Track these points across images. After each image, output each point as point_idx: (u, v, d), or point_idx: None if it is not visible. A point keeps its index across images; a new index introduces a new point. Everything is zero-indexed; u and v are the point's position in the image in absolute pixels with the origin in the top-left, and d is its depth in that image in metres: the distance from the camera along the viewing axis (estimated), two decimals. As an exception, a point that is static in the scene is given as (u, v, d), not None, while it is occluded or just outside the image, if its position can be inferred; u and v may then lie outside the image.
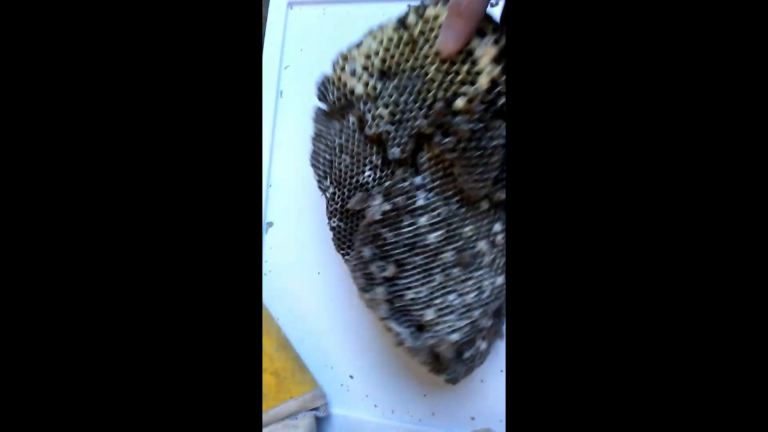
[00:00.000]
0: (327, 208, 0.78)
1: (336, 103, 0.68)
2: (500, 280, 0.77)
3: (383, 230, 0.74)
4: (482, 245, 0.76)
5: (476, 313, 0.75)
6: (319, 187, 0.80)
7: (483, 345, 0.74)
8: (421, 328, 0.78)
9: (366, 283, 0.76)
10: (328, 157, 0.79)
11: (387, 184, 0.72)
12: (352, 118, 0.74)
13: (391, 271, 0.75)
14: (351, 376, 0.91)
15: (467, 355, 0.73)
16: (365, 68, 0.70)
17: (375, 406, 0.89)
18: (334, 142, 0.77)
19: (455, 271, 0.76)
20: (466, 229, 0.75)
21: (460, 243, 0.77)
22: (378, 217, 0.73)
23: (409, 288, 0.76)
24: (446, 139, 0.67)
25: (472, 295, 0.76)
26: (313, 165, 0.80)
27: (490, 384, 0.87)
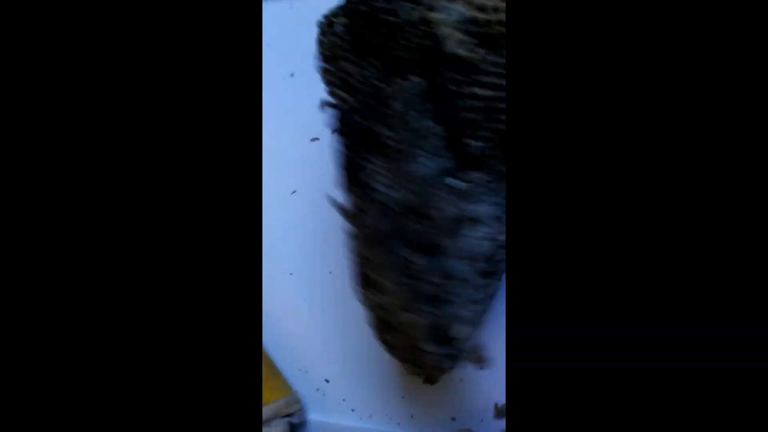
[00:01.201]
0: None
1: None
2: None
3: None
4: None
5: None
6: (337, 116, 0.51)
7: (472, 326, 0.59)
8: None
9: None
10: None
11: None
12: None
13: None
14: (327, 380, 0.88)
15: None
16: (459, 26, 0.43)
17: (352, 410, 0.86)
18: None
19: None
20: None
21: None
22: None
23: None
24: None
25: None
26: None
27: (469, 384, 0.85)
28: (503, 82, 0.43)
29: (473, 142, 0.47)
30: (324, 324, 0.82)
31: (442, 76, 0.46)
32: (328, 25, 0.48)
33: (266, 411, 0.82)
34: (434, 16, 0.45)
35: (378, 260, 0.52)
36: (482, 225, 0.51)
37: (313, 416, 0.88)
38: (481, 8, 0.43)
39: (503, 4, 0.39)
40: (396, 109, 0.47)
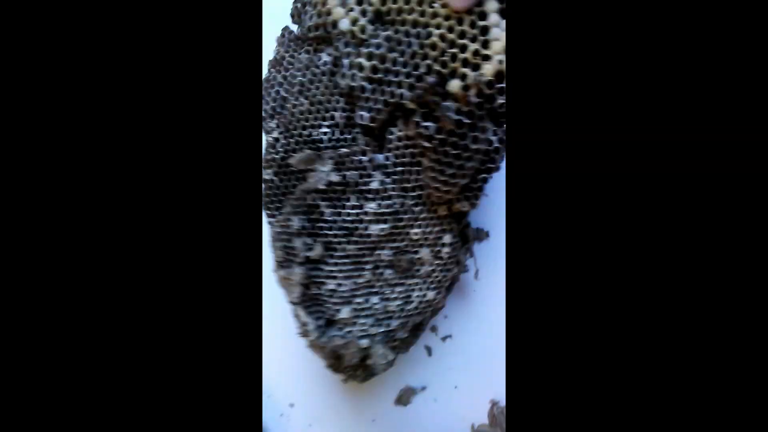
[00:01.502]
0: (264, 154, 0.65)
1: (310, 30, 0.56)
2: (431, 294, 0.66)
3: (322, 203, 0.62)
4: (425, 253, 0.65)
5: (394, 323, 0.64)
6: (263, 125, 0.67)
7: (390, 356, 0.62)
8: (331, 323, 0.65)
9: (284, 257, 0.64)
10: (282, 93, 0.67)
11: (343, 150, 0.61)
12: (325, 57, 0.63)
13: (317, 252, 0.63)
14: (291, 405, 0.77)
15: (371, 362, 0.61)
16: (360, 1, 0.59)
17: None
18: (295, 77, 0.65)
19: (388, 272, 0.65)
20: (415, 230, 0.64)
21: (403, 244, 0.66)
22: (321, 186, 0.61)
23: (332, 277, 0.63)
24: (426, 123, 0.56)
25: (398, 303, 0.65)
26: (263, 97, 0.68)
27: (442, 403, 0.75)
28: (393, 54, 0.55)
29: (363, 113, 0.58)
30: (287, 345, 0.71)
31: (339, 51, 0.58)
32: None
33: None
34: None
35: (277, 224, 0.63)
36: (368, 201, 0.62)
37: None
38: None
39: None
40: (302, 81, 0.63)
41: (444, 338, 0.71)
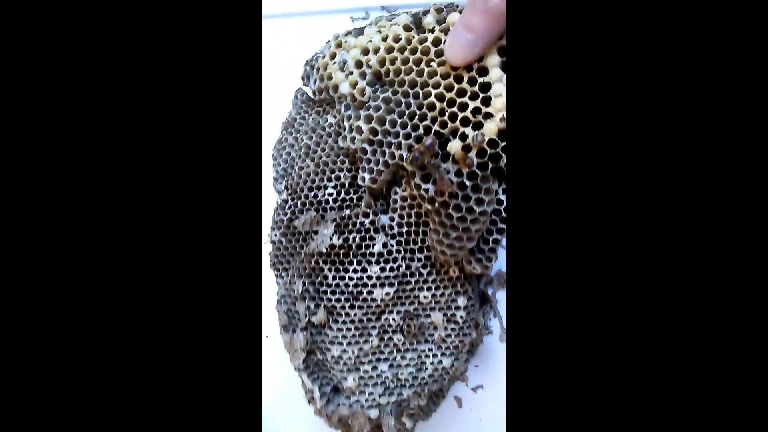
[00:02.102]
0: (273, 215, 0.66)
1: (315, 94, 0.56)
2: (447, 361, 0.62)
3: (325, 267, 0.61)
4: (437, 317, 0.61)
5: (407, 392, 0.60)
6: (274, 186, 0.68)
7: (408, 423, 0.58)
8: (337, 390, 0.62)
9: (288, 321, 0.63)
10: (292, 154, 0.67)
11: (347, 213, 0.59)
12: (330, 119, 0.63)
13: (320, 317, 0.62)
14: None
15: (386, 430, 0.57)
16: (359, 64, 0.59)
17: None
18: (302, 140, 0.65)
19: (397, 338, 0.62)
20: (424, 293, 0.61)
21: (412, 308, 0.62)
22: (323, 249, 0.60)
23: (337, 343, 0.61)
24: (425, 186, 0.54)
25: (410, 370, 0.61)
26: (274, 157, 0.69)
27: None
28: (391, 116, 0.53)
29: (364, 174, 0.56)
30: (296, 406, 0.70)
31: (341, 113, 0.58)
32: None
33: None
34: (323, 62, 0.60)
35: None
36: (371, 264, 0.60)
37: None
38: (365, 51, 0.55)
39: (385, 44, 0.53)
40: (308, 143, 0.64)
41: (475, 389, 0.66)
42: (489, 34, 0.47)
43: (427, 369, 0.61)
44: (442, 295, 0.61)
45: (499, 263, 0.72)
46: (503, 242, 0.58)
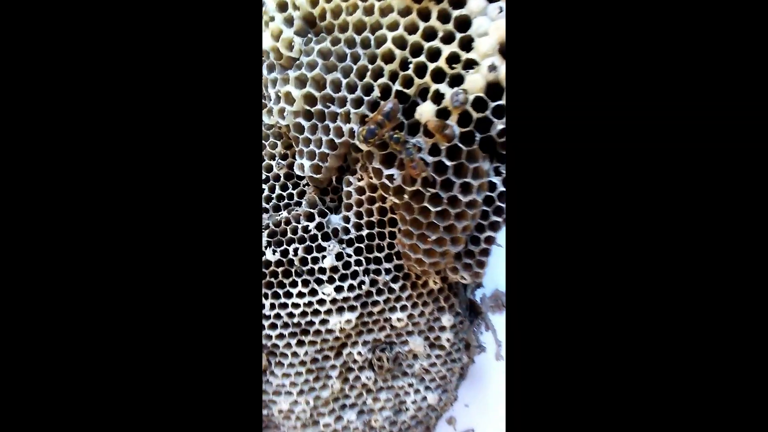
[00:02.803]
0: None
1: None
2: (433, 397, 0.47)
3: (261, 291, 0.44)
4: (417, 343, 0.46)
5: None
6: None
7: None
8: None
9: None
10: None
11: (283, 215, 0.42)
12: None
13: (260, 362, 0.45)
14: None
15: None
16: (282, 6, 0.41)
17: None
18: None
19: (365, 375, 0.46)
20: (398, 315, 0.45)
21: (383, 335, 0.46)
22: None
23: (285, 393, 0.45)
24: (389, 171, 0.37)
25: (386, 414, 0.47)
26: None
27: None
28: (333, 74, 0.40)
29: (303, 161, 0.42)
30: None
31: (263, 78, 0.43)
32: None
33: None
34: None
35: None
36: (322, 283, 0.45)
37: None
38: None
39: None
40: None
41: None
42: None
43: (408, 410, 0.46)
44: (421, 314, 0.45)
45: (495, 271, 0.56)
46: (499, 239, 0.42)
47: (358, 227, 0.43)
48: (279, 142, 0.45)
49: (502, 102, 0.36)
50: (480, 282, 0.57)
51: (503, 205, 0.40)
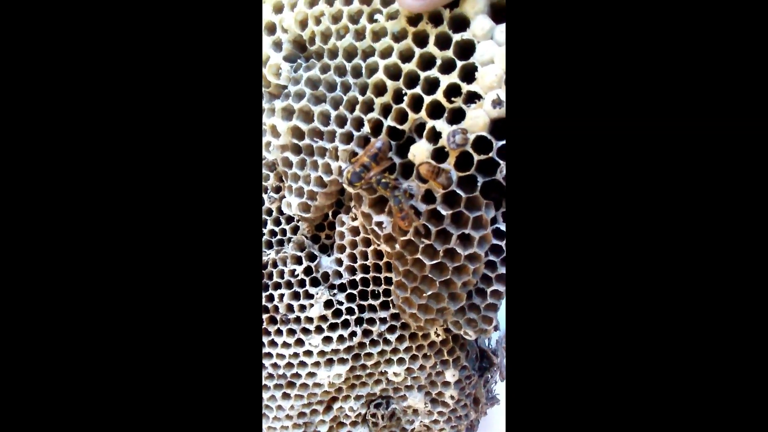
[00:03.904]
0: None
1: None
2: None
3: None
4: (416, 399, 0.41)
5: None
6: None
7: None
8: None
9: None
10: None
11: (270, 256, 0.39)
12: None
13: None
14: None
15: None
16: (270, 28, 0.37)
17: None
18: None
19: None
20: (395, 369, 0.41)
21: (378, 390, 0.42)
22: None
23: None
24: (378, 218, 0.33)
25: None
26: None
27: None
28: (321, 106, 0.36)
29: (291, 199, 0.39)
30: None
31: None
32: None
33: None
34: None
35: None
36: (309, 333, 0.40)
37: None
38: (278, 9, 0.37)
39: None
40: None
41: None
42: None
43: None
44: (422, 368, 0.40)
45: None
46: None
47: (351, 271, 0.39)
48: (272, 174, 0.41)
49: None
50: (495, 325, 0.52)
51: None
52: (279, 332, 0.39)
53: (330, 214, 0.41)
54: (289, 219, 0.43)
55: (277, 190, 0.43)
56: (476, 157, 0.31)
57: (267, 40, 0.37)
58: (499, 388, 0.52)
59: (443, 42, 0.32)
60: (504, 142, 0.31)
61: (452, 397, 0.42)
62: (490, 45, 0.30)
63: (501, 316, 0.52)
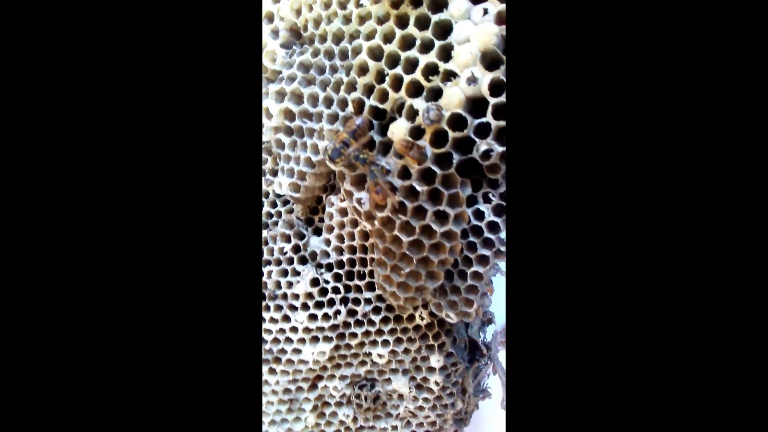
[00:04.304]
0: None
1: None
2: None
3: None
4: (400, 383, 0.41)
5: None
6: None
7: None
8: None
9: None
10: None
11: (262, 235, 0.40)
12: None
13: None
14: None
15: None
16: (269, 17, 0.39)
17: None
18: None
19: (343, 413, 0.42)
20: (379, 350, 0.41)
21: (363, 371, 0.42)
22: None
23: None
24: (359, 194, 0.34)
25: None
26: None
27: None
28: (310, 89, 0.37)
29: (281, 180, 0.41)
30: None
31: None
32: None
33: None
34: None
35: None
36: (295, 310, 0.41)
37: None
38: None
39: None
40: None
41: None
42: None
43: (391, 455, 0.41)
44: (406, 351, 0.41)
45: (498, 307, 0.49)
46: (496, 272, 0.37)
47: (339, 251, 0.40)
48: (269, 158, 0.43)
49: (487, 119, 0.30)
50: (490, 318, 0.51)
51: (494, 237, 0.34)
52: (266, 308, 0.41)
53: (324, 197, 0.43)
54: (286, 201, 0.44)
55: (274, 173, 0.44)
56: (451, 134, 0.32)
57: (266, 29, 0.40)
58: (492, 382, 0.52)
59: (423, 23, 0.33)
60: (482, 119, 0.31)
61: (437, 383, 0.42)
62: (467, 24, 0.31)
63: (497, 309, 0.52)
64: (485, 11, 0.30)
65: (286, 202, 0.44)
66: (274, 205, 0.44)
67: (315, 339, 0.41)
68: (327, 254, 0.40)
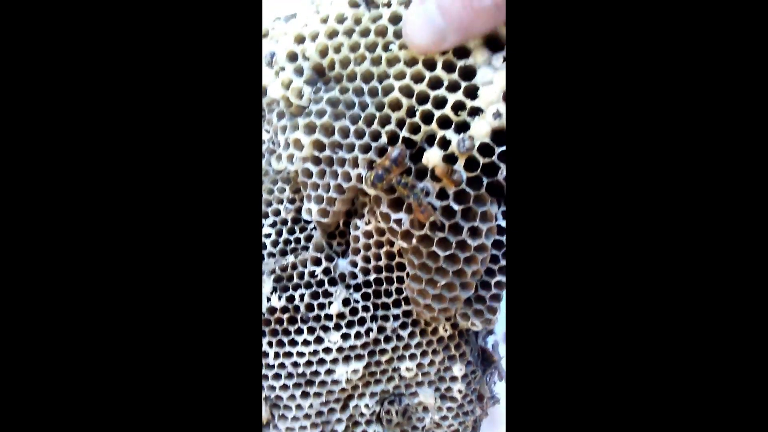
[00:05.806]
0: None
1: None
2: None
3: (264, 340, 0.43)
4: (427, 395, 0.44)
5: None
6: None
7: None
8: None
9: None
10: None
11: (290, 260, 0.42)
12: (266, 132, 0.47)
13: (263, 415, 0.43)
14: None
15: None
16: (292, 57, 0.43)
17: None
18: None
19: (373, 430, 0.43)
20: (407, 365, 0.43)
21: (392, 386, 0.44)
22: (263, 314, 0.42)
23: None
24: (397, 216, 0.37)
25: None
26: None
27: None
28: (341, 122, 0.41)
29: (310, 206, 0.43)
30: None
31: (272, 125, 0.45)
32: None
33: None
34: None
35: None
36: (328, 331, 0.44)
37: None
38: (300, 39, 0.42)
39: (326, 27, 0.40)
40: None
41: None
42: (465, 30, 0.34)
43: (418, 469, 0.43)
44: (431, 363, 0.44)
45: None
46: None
47: (366, 272, 0.43)
48: (287, 187, 0.45)
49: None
50: (491, 328, 0.56)
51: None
52: (300, 331, 0.42)
53: (341, 223, 0.45)
54: (303, 228, 0.46)
55: (292, 201, 0.47)
56: (481, 161, 0.37)
57: (289, 67, 0.43)
58: (499, 388, 0.56)
59: (448, 67, 0.38)
60: (503, 147, 0.37)
61: (460, 392, 0.45)
62: (489, 70, 0.37)
63: (499, 317, 0.57)
64: (504, 59, 0.36)
65: (303, 229, 0.46)
66: (292, 231, 0.46)
67: (347, 358, 0.43)
68: (354, 275, 0.43)
